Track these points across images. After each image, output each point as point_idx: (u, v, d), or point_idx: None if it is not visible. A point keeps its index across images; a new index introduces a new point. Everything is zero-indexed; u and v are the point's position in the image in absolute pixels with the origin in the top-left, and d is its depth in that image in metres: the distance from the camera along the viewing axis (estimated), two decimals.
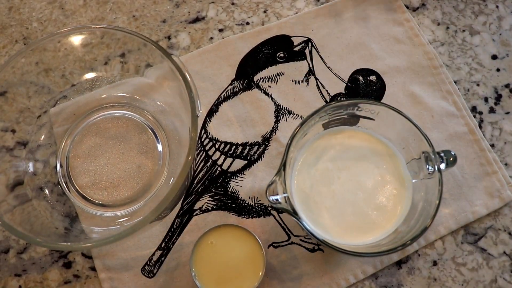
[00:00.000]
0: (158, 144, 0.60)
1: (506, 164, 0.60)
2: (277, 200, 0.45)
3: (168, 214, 0.56)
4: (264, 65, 0.64)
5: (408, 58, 0.64)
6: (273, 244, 0.55)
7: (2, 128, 0.59)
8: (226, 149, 0.59)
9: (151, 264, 0.55)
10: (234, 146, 0.60)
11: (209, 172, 0.58)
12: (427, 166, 0.48)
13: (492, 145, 0.61)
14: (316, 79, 0.63)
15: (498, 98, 0.63)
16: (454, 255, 0.56)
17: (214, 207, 0.57)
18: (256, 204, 0.57)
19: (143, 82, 0.62)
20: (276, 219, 0.57)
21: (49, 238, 0.50)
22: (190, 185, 0.58)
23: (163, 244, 0.56)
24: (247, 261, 0.49)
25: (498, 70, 0.65)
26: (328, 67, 0.64)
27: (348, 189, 0.53)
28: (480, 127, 0.61)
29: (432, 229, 0.56)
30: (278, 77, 0.63)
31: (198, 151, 0.60)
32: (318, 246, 0.56)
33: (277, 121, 0.61)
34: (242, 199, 0.57)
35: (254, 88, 0.62)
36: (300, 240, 0.56)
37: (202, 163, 0.59)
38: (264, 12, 0.68)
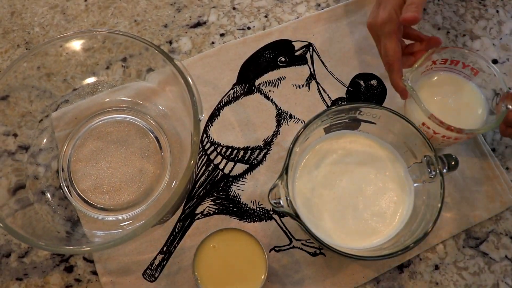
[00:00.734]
0: (160, 149, 0.60)
1: (507, 168, 0.60)
2: (279, 203, 0.45)
3: (170, 218, 0.56)
4: (265, 69, 0.64)
5: None
6: (275, 248, 0.55)
7: (4, 132, 0.59)
8: (227, 153, 0.60)
9: (152, 268, 0.55)
10: (235, 150, 0.60)
11: (210, 176, 0.58)
12: (429, 170, 0.48)
13: (493, 150, 0.61)
14: (317, 83, 0.63)
15: None
16: (455, 259, 0.56)
17: (216, 211, 0.57)
18: (258, 208, 0.57)
19: (145, 87, 0.62)
20: (278, 223, 0.56)
21: (50, 242, 0.50)
22: (191, 189, 0.58)
23: (165, 248, 0.55)
24: (249, 265, 0.49)
25: None
26: (329, 72, 0.64)
27: (349, 193, 0.53)
28: None
29: (433, 233, 0.56)
30: (279, 81, 0.63)
31: (199, 155, 0.60)
32: (320, 250, 0.55)
33: (278, 125, 0.61)
34: (243, 203, 0.57)
35: (256, 92, 0.63)
36: (302, 244, 0.56)
37: (204, 167, 0.59)
38: (265, 16, 0.68)
